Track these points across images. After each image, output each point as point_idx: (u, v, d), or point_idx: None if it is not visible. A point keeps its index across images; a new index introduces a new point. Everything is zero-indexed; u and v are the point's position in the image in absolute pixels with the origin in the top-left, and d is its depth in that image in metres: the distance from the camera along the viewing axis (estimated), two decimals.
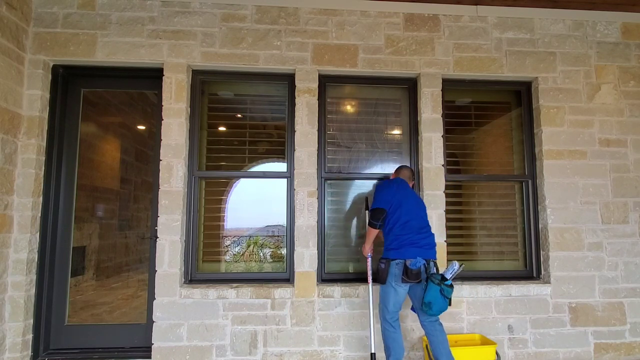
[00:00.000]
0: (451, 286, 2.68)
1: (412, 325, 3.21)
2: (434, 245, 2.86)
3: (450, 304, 2.70)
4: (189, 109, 3.32)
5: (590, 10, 3.56)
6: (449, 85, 3.53)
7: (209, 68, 3.35)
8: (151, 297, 3.15)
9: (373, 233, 2.92)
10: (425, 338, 3.10)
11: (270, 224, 3.48)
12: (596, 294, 3.34)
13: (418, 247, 2.76)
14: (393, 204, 2.83)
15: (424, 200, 3.32)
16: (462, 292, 3.22)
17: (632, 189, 3.44)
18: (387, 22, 3.44)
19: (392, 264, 2.75)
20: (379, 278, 2.83)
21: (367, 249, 3.02)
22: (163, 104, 3.22)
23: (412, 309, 2.90)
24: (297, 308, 3.15)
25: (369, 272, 3.02)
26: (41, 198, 3.14)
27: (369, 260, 3.05)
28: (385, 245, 2.88)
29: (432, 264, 2.80)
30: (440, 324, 2.80)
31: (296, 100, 3.32)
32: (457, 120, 3.62)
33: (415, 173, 3.45)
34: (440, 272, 2.86)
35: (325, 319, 3.16)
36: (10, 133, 2.96)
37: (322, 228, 3.35)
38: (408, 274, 2.70)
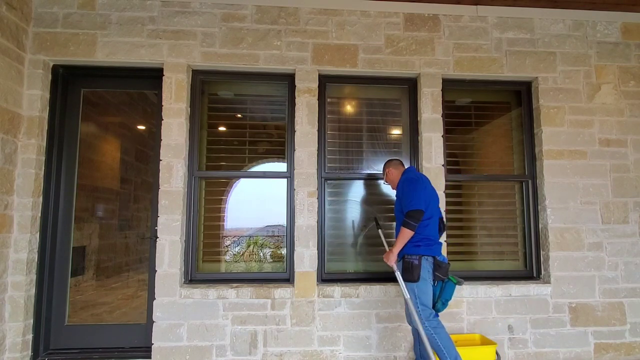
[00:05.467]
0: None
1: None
2: None
3: None
4: (189, 109, 3.32)
5: (590, 10, 3.56)
6: (449, 85, 3.53)
7: (209, 68, 3.35)
8: (151, 297, 3.15)
9: (408, 236, 2.64)
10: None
11: (270, 224, 3.48)
12: (596, 294, 3.34)
13: (440, 245, 2.79)
14: (427, 202, 2.73)
15: None
16: (462, 292, 3.22)
17: (632, 189, 3.44)
18: (387, 22, 3.44)
19: (423, 260, 2.66)
20: (411, 275, 2.63)
21: (395, 255, 2.69)
22: (163, 104, 3.22)
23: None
24: (297, 308, 3.15)
25: (398, 273, 2.71)
26: (41, 198, 3.14)
27: (396, 267, 2.73)
28: (412, 241, 2.68)
29: None
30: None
31: (296, 100, 3.31)
32: (457, 120, 3.62)
33: None
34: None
35: (325, 319, 3.16)
36: (10, 133, 2.96)
37: (322, 228, 3.35)
38: (441, 270, 2.68)
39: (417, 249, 2.69)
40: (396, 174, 2.97)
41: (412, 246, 2.71)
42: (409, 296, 2.65)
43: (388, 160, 3.09)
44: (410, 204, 2.66)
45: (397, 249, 2.69)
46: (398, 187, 2.89)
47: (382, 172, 3.12)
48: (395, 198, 3.01)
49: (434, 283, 2.72)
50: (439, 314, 2.75)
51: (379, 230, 3.12)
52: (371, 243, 3.45)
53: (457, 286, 2.76)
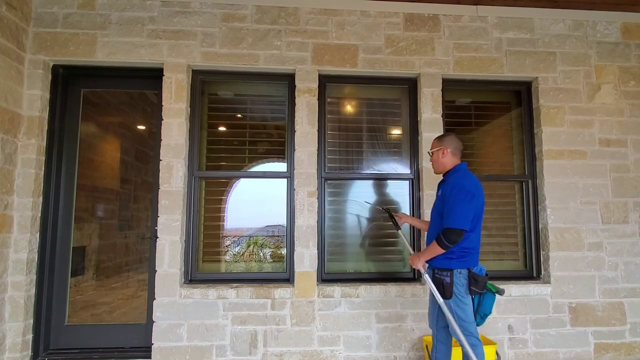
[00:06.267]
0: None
1: (412, 325, 3.20)
2: None
3: None
4: (189, 109, 3.32)
5: (590, 10, 3.56)
6: (449, 85, 3.53)
7: (209, 68, 3.35)
8: (151, 297, 3.15)
9: (438, 252, 2.38)
10: (426, 338, 3.11)
11: (270, 224, 3.48)
12: (596, 294, 3.34)
13: (478, 254, 2.45)
14: (475, 218, 2.38)
15: (425, 201, 3.32)
16: None
17: (632, 189, 3.44)
18: (387, 22, 3.44)
19: (455, 274, 2.36)
20: (443, 293, 2.38)
21: (423, 262, 2.47)
22: (163, 104, 3.22)
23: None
24: (297, 308, 3.15)
25: (427, 276, 2.49)
26: (41, 198, 3.14)
27: (423, 270, 2.51)
28: (444, 254, 2.40)
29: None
30: None
31: (296, 100, 3.31)
32: (457, 120, 3.62)
33: (415, 173, 3.46)
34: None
35: (325, 319, 3.16)
36: (10, 133, 2.96)
37: (322, 228, 3.35)
38: (477, 284, 2.34)
39: (450, 262, 2.39)
40: (449, 162, 2.52)
41: (444, 258, 2.40)
42: (441, 300, 2.39)
43: (444, 136, 2.61)
44: (454, 219, 2.29)
45: (424, 258, 2.45)
46: (447, 186, 2.45)
47: (431, 146, 2.63)
48: (437, 193, 2.58)
49: (472, 296, 2.42)
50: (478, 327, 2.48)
51: (399, 232, 2.84)
52: (371, 243, 3.45)
53: (497, 296, 2.43)
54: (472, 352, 2.31)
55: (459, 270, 2.37)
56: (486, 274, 2.42)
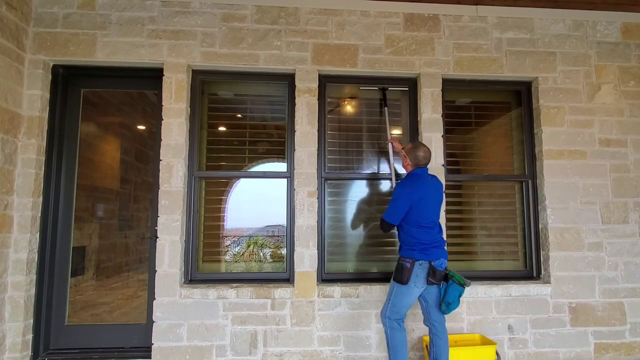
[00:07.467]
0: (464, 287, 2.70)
1: (412, 325, 3.20)
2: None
3: None
4: (189, 109, 3.32)
5: (590, 10, 3.56)
6: (449, 85, 3.53)
7: (209, 68, 3.35)
8: (151, 297, 3.15)
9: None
10: (425, 338, 3.11)
11: (270, 224, 3.48)
12: (596, 294, 3.34)
13: (440, 249, 2.73)
14: (413, 203, 2.69)
15: None
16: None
17: (632, 189, 3.44)
18: (387, 22, 3.44)
19: (416, 264, 2.65)
20: (400, 277, 2.67)
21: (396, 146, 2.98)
22: (163, 104, 3.22)
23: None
24: (297, 308, 3.15)
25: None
26: (41, 198, 3.14)
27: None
28: (407, 244, 2.74)
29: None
30: (445, 328, 2.81)
31: (296, 100, 3.31)
32: (457, 120, 3.62)
33: None
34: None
35: (325, 319, 3.16)
36: (10, 133, 2.96)
37: (322, 228, 3.35)
38: (435, 277, 2.63)
39: (413, 253, 2.69)
40: (408, 165, 2.88)
41: (407, 249, 2.74)
42: (393, 282, 2.73)
43: (411, 143, 2.96)
44: (387, 212, 2.75)
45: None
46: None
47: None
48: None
49: (439, 286, 2.72)
50: (446, 316, 2.77)
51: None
52: (372, 243, 3.45)
53: (466, 288, 2.69)
54: (390, 335, 2.70)
55: (420, 261, 2.66)
56: (446, 269, 2.72)
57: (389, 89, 3.56)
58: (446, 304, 2.68)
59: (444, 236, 2.98)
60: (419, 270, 2.65)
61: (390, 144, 3.25)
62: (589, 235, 3.38)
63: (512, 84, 3.61)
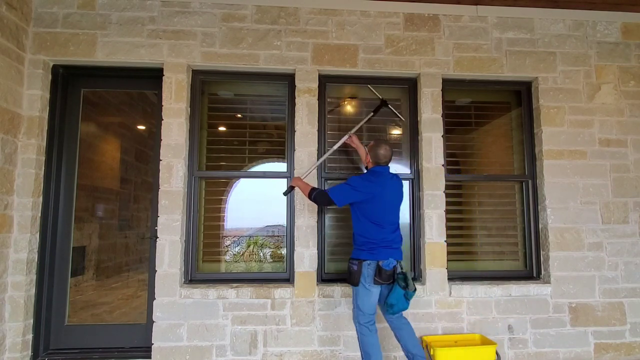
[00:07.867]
0: (414, 290, 2.68)
1: (411, 325, 3.20)
2: (401, 243, 2.82)
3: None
4: (189, 109, 3.32)
5: (590, 10, 3.56)
6: (449, 85, 3.53)
7: (209, 68, 3.35)
8: (151, 297, 3.15)
9: (304, 191, 2.85)
10: (425, 338, 3.11)
11: (270, 224, 3.48)
12: (596, 294, 3.34)
13: (391, 249, 2.71)
14: (366, 197, 2.69)
15: (425, 201, 3.31)
16: (462, 292, 3.22)
17: (632, 189, 3.44)
18: (387, 22, 3.44)
19: (364, 265, 2.67)
20: (351, 279, 2.72)
21: (294, 183, 2.97)
22: (163, 104, 3.22)
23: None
24: (297, 308, 3.15)
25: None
26: (41, 198, 3.14)
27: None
28: (357, 244, 2.78)
29: (399, 264, 2.75)
30: (405, 317, 2.84)
31: (296, 100, 3.31)
32: (457, 120, 3.62)
33: (415, 173, 3.45)
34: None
35: (325, 319, 3.16)
36: (10, 133, 2.96)
37: (322, 228, 3.35)
38: (381, 276, 2.64)
39: (360, 252, 2.72)
40: (369, 162, 2.89)
41: (356, 249, 2.77)
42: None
43: (373, 141, 2.97)
44: (335, 190, 2.75)
45: (297, 183, 2.92)
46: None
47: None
48: None
49: (391, 285, 2.70)
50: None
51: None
52: None
53: (409, 292, 2.64)
54: (360, 340, 2.71)
55: (367, 261, 2.67)
56: (394, 269, 2.68)
57: (388, 100, 3.51)
58: (389, 305, 2.67)
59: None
60: (368, 270, 2.66)
61: (349, 137, 3.14)
62: (589, 235, 3.38)
63: (512, 84, 3.61)
